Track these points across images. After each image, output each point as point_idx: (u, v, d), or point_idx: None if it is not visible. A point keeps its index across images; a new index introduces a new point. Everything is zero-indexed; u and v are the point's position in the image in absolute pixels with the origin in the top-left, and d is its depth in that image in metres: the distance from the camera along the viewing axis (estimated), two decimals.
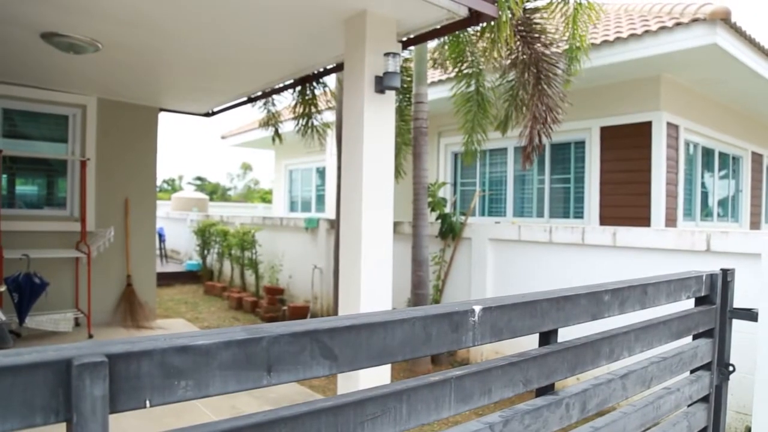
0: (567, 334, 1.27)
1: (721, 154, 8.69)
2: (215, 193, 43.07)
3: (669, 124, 6.99)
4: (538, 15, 5.52)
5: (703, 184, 8.25)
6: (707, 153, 8.33)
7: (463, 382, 1.00)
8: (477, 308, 1.03)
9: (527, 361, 1.14)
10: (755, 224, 9.77)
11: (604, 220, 7.26)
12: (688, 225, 7.62)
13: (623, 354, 1.43)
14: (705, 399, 1.91)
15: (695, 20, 5.78)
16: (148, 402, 0.68)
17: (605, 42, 6.45)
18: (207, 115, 7.68)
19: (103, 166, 6.68)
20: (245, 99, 6.74)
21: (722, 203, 9.04)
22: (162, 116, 7.41)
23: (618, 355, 1.41)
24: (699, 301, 1.89)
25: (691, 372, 1.88)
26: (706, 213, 8.47)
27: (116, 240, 6.68)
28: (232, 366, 0.74)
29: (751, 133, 9.44)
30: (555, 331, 1.24)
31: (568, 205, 7.93)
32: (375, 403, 0.87)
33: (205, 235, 11.04)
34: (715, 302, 1.88)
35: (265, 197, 32.13)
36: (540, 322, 1.18)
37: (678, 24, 5.89)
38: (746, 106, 8.67)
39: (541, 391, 1.22)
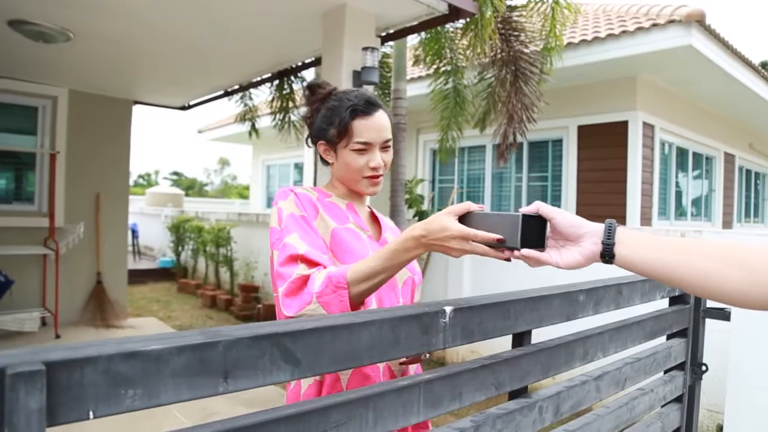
0: (541, 335, 1.24)
1: (695, 154, 8.80)
2: (192, 188, 42.65)
3: (645, 124, 7.05)
4: (516, 13, 5.52)
5: (677, 184, 8.35)
6: (681, 153, 8.44)
7: (433, 387, 0.96)
8: (448, 309, 0.99)
9: (499, 364, 1.10)
10: (727, 224, 9.92)
11: None
12: (663, 224, 7.71)
13: (597, 355, 1.41)
14: (678, 399, 1.91)
15: (671, 21, 5.83)
16: (91, 413, 0.63)
17: (583, 41, 6.48)
18: (183, 108, 7.55)
19: (73, 160, 6.52)
20: (222, 93, 6.65)
21: (696, 203, 9.16)
22: (138, 109, 7.28)
23: (592, 356, 1.38)
24: (673, 301, 1.88)
25: (665, 372, 1.87)
26: (680, 212, 8.58)
27: (86, 236, 6.54)
28: (186, 372, 0.69)
29: (724, 134, 9.58)
30: (528, 333, 1.21)
31: (545, 203, 7.95)
32: (340, 410, 0.83)
33: (179, 231, 10.89)
34: (688, 302, 1.87)
35: (243, 193, 31.89)
36: (513, 323, 1.15)
37: (654, 25, 5.94)
38: (719, 108, 8.79)
39: (514, 395, 1.19)
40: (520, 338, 1.20)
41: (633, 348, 1.60)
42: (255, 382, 0.76)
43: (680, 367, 1.89)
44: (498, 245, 1.04)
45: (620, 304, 1.50)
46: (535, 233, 1.03)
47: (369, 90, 1.48)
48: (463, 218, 1.09)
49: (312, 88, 1.52)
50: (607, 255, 0.94)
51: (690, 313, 1.89)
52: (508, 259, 1.05)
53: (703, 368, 1.98)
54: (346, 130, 1.39)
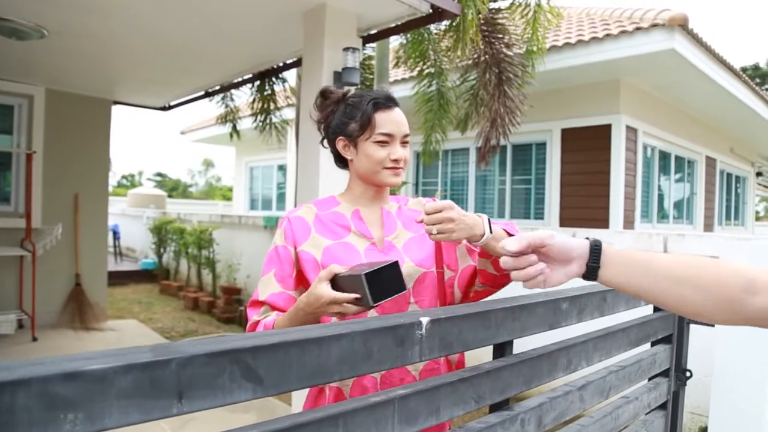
0: (523, 344, 1.19)
1: (677, 157, 8.85)
2: (176, 189, 42.30)
3: (628, 128, 7.06)
4: (500, 15, 5.50)
5: (659, 187, 8.38)
6: (664, 156, 8.47)
7: (408, 402, 0.91)
8: (425, 320, 0.94)
9: (479, 376, 1.05)
10: (708, 226, 9.99)
11: (564, 221, 7.30)
12: (646, 227, 7.73)
13: (581, 364, 1.36)
14: (663, 406, 1.87)
15: (655, 25, 5.84)
16: None
17: (567, 44, 6.47)
18: (163, 108, 7.44)
19: (51, 160, 6.39)
20: (203, 93, 6.55)
21: (677, 205, 9.21)
22: (122, 109, 7.17)
23: (576, 365, 1.34)
24: (657, 307, 1.85)
25: (649, 379, 1.83)
26: (662, 215, 8.62)
27: (65, 237, 6.41)
28: (134, 394, 0.63)
29: (706, 138, 9.65)
30: (510, 343, 1.16)
31: (529, 206, 7.96)
32: (307, 430, 0.78)
33: (161, 232, 10.75)
34: None
35: (227, 195, 31.65)
36: (494, 333, 1.09)
37: (638, 29, 5.95)
38: (701, 111, 8.84)
39: (495, 407, 1.14)
40: (502, 349, 1.15)
41: (617, 356, 1.56)
42: (213, 402, 0.70)
43: (665, 373, 1.86)
44: (361, 304, 1.12)
45: (604, 312, 1.45)
46: (388, 281, 1.09)
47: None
48: (334, 280, 1.18)
49: (325, 94, 1.55)
50: (591, 276, 0.98)
51: (674, 319, 1.85)
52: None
53: (687, 374, 1.95)
54: (369, 122, 1.43)
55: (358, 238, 1.46)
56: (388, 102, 1.46)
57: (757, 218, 15.90)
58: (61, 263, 6.54)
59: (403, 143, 1.48)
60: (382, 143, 1.43)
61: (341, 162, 1.57)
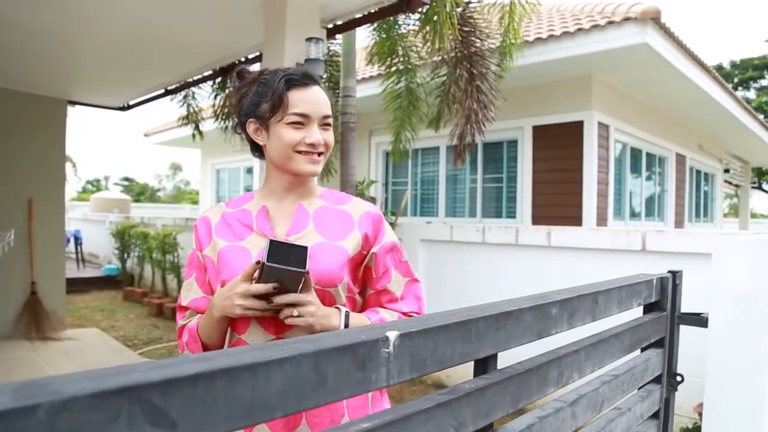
0: (506, 358, 1.02)
1: (648, 154, 8.84)
2: (143, 194, 41.59)
3: (600, 124, 7.00)
4: (470, 9, 5.37)
5: (631, 184, 8.36)
6: (635, 153, 8.45)
7: None
8: (392, 335, 0.76)
9: (459, 399, 0.88)
10: (679, 223, 10.03)
11: (536, 219, 7.20)
12: (618, 224, 7.68)
13: (573, 377, 1.20)
14: (655, 415, 1.73)
15: (627, 19, 5.77)
16: None
17: (538, 39, 6.38)
18: (122, 108, 7.13)
19: (1, 163, 6.05)
20: (162, 91, 6.28)
21: (649, 203, 9.21)
22: (86, 113, 6.84)
23: (567, 378, 1.18)
24: (648, 308, 1.70)
25: (640, 388, 1.68)
26: (633, 212, 8.59)
27: (18, 244, 6.07)
28: None
29: (676, 135, 9.68)
30: (494, 357, 0.99)
31: (500, 205, 7.85)
32: None
33: (124, 237, 10.40)
34: (665, 308, 1.70)
35: (195, 198, 31.17)
36: (475, 346, 0.92)
37: (610, 23, 5.87)
38: (672, 108, 8.86)
39: None
40: (484, 364, 0.98)
41: (610, 364, 1.40)
42: None
43: (657, 380, 1.71)
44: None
45: (596, 315, 1.30)
46: (291, 255, 1.11)
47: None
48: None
49: (241, 74, 1.40)
50: None
51: (666, 320, 1.71)
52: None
53: (678, 379, 1.82)
54: (281, 101, 1.27)
55: (259, 238, 1.32)
56: (304, 79, 1.30)
57: (723, 215, 16.13)
58: (14, 271, 6.21)
59: (324, 125, 1.32)
60: (296, 125, 1.27)
61: (257, 150, 1.39)
